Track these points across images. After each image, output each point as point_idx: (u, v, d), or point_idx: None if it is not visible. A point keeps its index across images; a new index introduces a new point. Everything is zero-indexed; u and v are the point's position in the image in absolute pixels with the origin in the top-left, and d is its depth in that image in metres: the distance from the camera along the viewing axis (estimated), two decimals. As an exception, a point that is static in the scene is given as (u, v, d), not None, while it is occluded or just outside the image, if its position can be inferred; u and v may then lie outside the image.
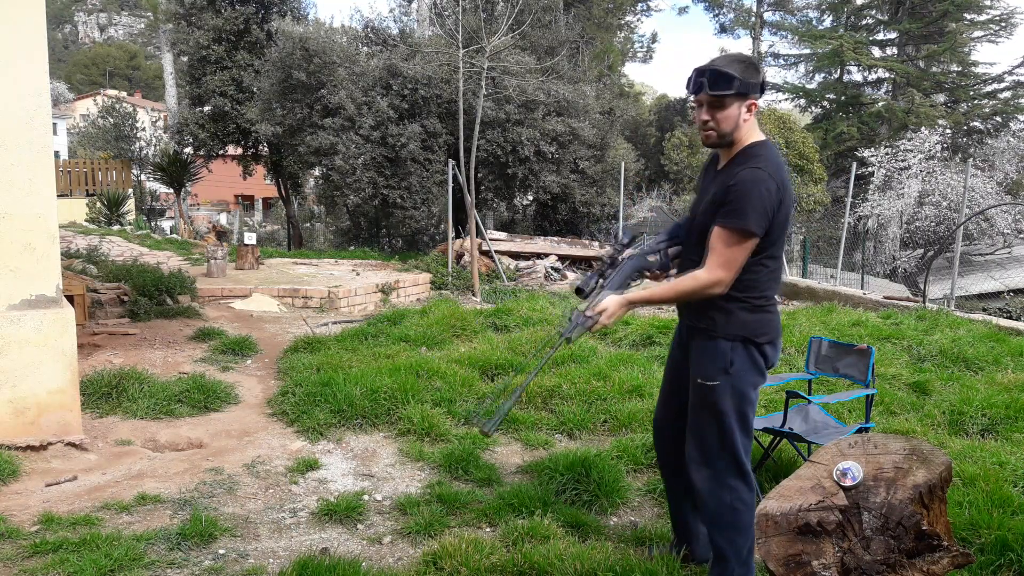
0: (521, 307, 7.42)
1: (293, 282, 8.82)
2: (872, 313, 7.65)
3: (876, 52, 23.19)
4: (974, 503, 3.19)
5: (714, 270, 2.42)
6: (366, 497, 3.54)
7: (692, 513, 2.86)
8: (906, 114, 20.25)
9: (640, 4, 25.59)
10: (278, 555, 2.99)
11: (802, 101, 24.64)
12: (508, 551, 2.90)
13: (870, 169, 16.98)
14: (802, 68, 25.01)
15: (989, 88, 22.42)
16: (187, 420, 4.57)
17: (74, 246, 10.96)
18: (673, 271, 2.73)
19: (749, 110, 2.47)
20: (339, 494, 3.56)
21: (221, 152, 17.61)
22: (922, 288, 10.05)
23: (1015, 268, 15.55)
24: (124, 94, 37.97)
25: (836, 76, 24.08)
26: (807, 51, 24.28)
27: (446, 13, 14.81)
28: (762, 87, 2.50)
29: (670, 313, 7.28)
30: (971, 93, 22.35)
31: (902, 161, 16.80)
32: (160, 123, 24.83)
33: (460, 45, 10.68)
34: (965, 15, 21.72)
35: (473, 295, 9.93)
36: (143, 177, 21.65)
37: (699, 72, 2.44)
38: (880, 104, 22.10)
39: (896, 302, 8.58)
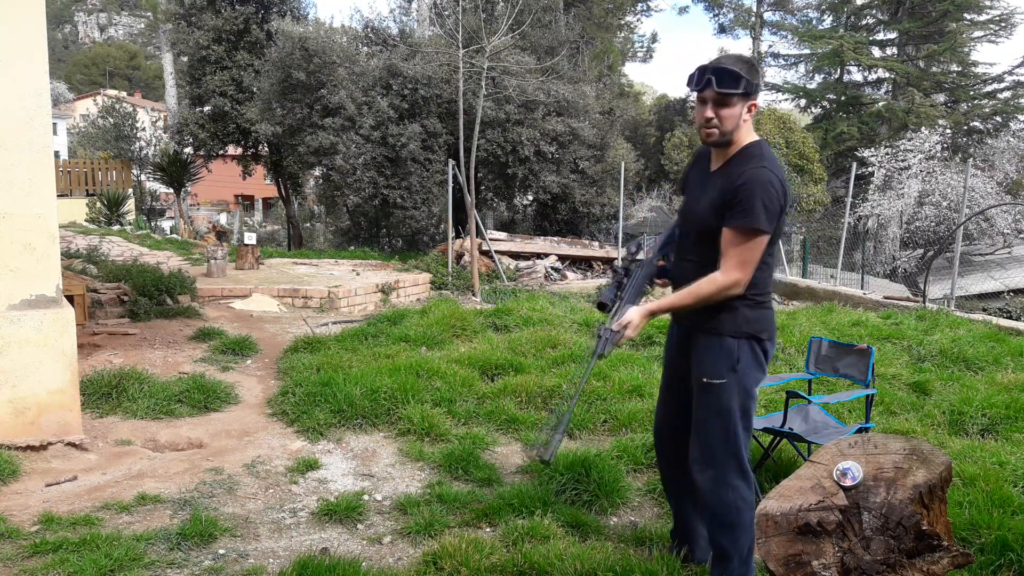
0: (521, 307, 7.42)
1: (293, 282, 8.82)
2: (872, 313, 7.65)
3: (876, 52, 23.18)
4: (974, 503, 3.19)
5: (731, 271, 2.43)
6: (366, 497, 3.54)
7: (693, 513, 2.86)
8: (906, 114, 20.25)
9: (640, 4, 25.59)
10: (278, 555, 2.99)
11: (802, 101, 24.63)
12: (508, 551, 2.90)
13: (870, 169, 16.98)
14: (802, 68, 25.01)
15: (989, 88, 22.41)
16: (187, 420, 4.57)
17: (74, 246, 10.96)
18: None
19: (749, 111, 2.49)
20: (339, 494, 3.56)
21: (221, 152, 17.61)
22: (922, 288, 10.05)
23: (1015, 268, 15.55)
24: (124, 94, 37.97)
25: (836, 76, 24.07)
26: (807, 51, 24.27)
27: (446, 13, 14.81)
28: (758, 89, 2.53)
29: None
30: (971, 93, 22.35)
31: (902, 161, 16.80)
32: (160, 123, 24.83)
33: (460, 45, 10.69)
34: (965, 15, 21.71)
35: (473, 295, 9.93)
36: (143, 177, 21.65)
37: (706, 69, 2.44)
38: (880, 104, 22.10)
39: (896, 302, 8.58)
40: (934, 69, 22.66)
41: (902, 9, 22.11)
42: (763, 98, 23.77)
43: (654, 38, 29.21)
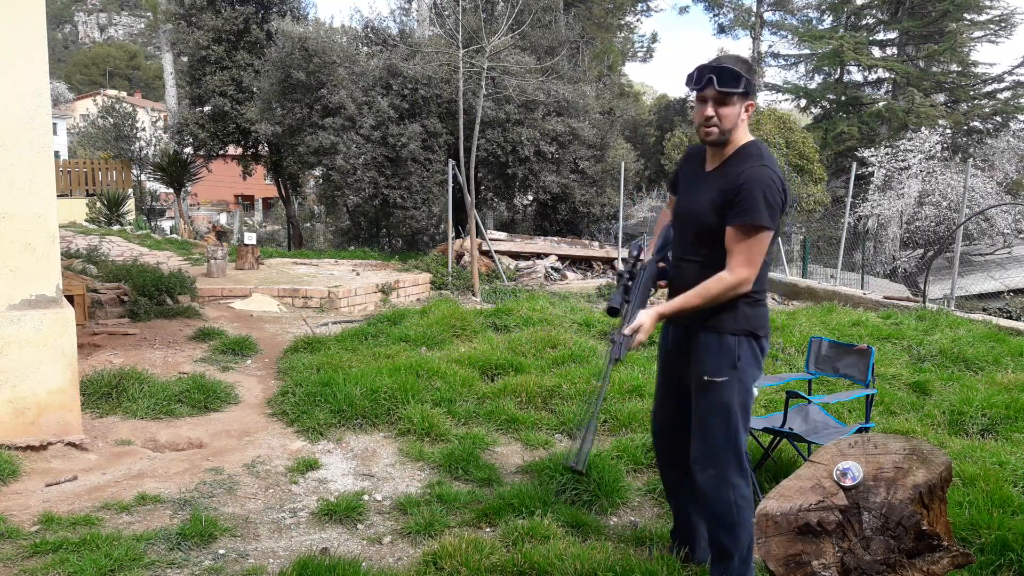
0: (521, 307, 7.41)
1: (293, 282, 8.82)
2: (872, 313, 7.65)
3: (876, 52, 23.18)
4: (974, 503, 3.19)
5: (738, 269, 2.45)
6: (366, 497, 3.54)
7: (694, 513, 2.86)
8: (906, 114, 20.25)
9: (640, 4, 25.59)
10: (278, 555, 2.99)
11: (802, 101, 24.63)
12: (508, 551, 2.90)
13: (870, 169, 16.98)
14: (802, 68, 25.00)
15: (989, 88, 22.41)
16: (187, 420, 4.57)
17: (74, 246, 10.96)
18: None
19: (747, 111, 2.51)
20: (339, 494, 3.56)
21: (221, 152, 17.61)
22: (922, 288, 10.05)
23: (1015, 268, 15.55)
24: (124, 94, 37.98)
25: (836, 76, 24.07)
26: (807, 51, 24.26)
27: (446, 13, 14.82)
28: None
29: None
30: (971, 93, 22.35)
31: (902, 161, 16.80)
32: (160, 123, 24.84)
33: (460, 45, 10.68)
34: (965, 15, 21.71)
35: (473, 295, 9.93)
36: (143, 177, 21.65)
37: (707, 68, 2.46)
38: (880, 104, 22.10)
39: (896, 302, 8.58)
40: (934, 69, 22.66)
41: (902, 9, 22.11)
42: (763, 98, 23.80)
43: (654, 38, 29.23)
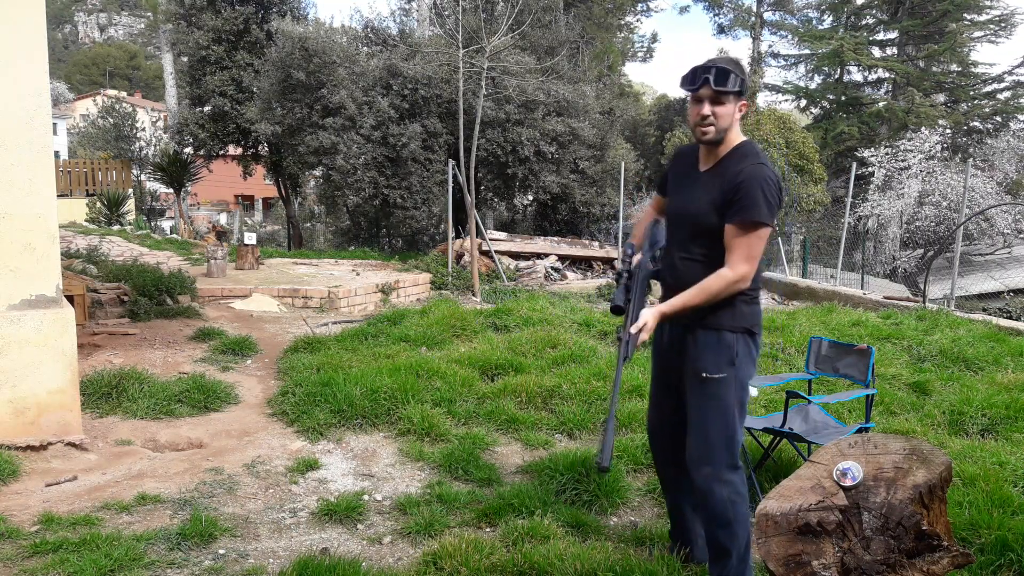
0: (521, 307, 7.41)
1: (293, 282, 8.82)
2: (872, 313, 7.65)
3: (876, 52, 23.19)
4: (974, 503, 3.19)
5: (738, 266, 2.48)
6: (366, 497, 3.54)
7: (692, 512, 2.86)
8: (906, 114, 20.26)
9: (640, 4, 25.59)
10: (278, 555, 2.99)
11: (802, 101, 24.63)
12: (508, 551, 2.90)
13: (870, 169, 16.98)
14: (802, 68, 25.00)
15: (989, 88, 22.42)
16: (187, 420, 4.57)
17: (74, 246, 10.96)
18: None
19: (740, 110, 2.57)
20: (339, 494, 3.56)
21: (221, 152, 17.62)
22: (922, 288, 10.05)
23: (1015, 268, 15.55)
24: (124, 94, 37.98)
25: (836, 76, 24.07)
26: (807, 51, 24.26)
27: (446, 13, 14.81)
28: None
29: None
30: (971, 93, 22.35)
31: (902, 161, 16.80)
32: (160, 123, 24.85)
33: (460, 45, 10.68)
34: (965, 15, 21.71)
35: (473, 295, 9.93)
36: (143, 177, 21.65)
37: (702, 69, 2.51)
38: (880, 104, 22.10)
39: (896, 302, 8.58)
40: (934, 69, 22.67)
41: (902, 9, 22.11)
42: (763, 98, 23.81)
43: (654, 38, 29.19)
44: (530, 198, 16.64)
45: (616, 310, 2.59)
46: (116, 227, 15.91)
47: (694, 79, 2.51)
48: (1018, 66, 21.61)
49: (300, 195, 20.89)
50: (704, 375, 2.58)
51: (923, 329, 6.82)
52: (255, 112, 14.28)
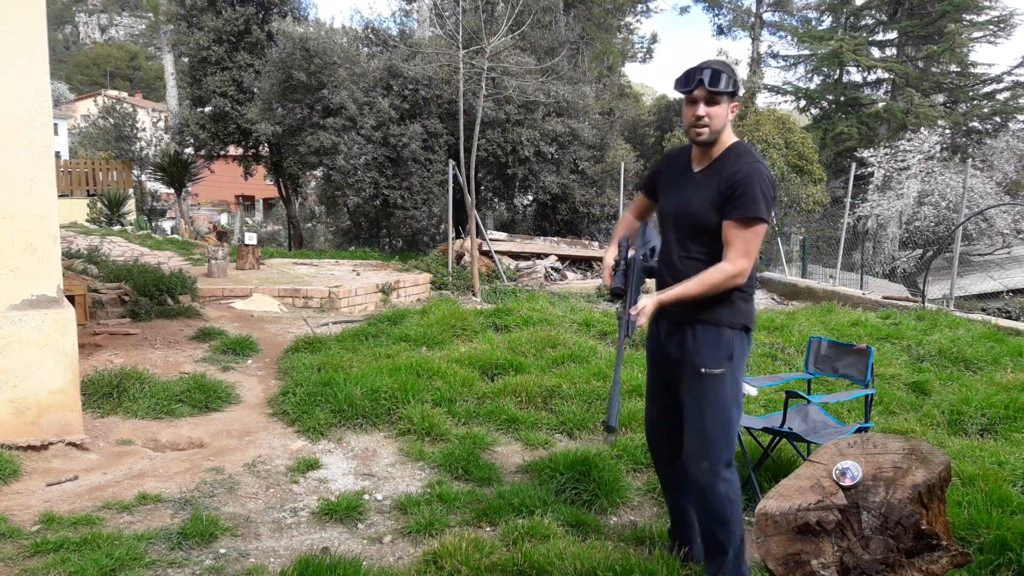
0: (521, 307, 7.42)
1: (294, 282, 8.82)
2: (871, 313, 7.66)
3: (875, 52, 23.21)
4: (973, 503, 3.19)
5: (737, 260, 2.53)
6: (366, 497, 3.54)
7: (691, 510, 2.87)
8: (905, 114, 20.26)
9: (640, 5, 25.61)
10: (279, 554, 3.00)
11: (801, 102, 24.64)
12: (508, 550, 2.90)
13: (869, 169, 16.99)
14: (801, 69, 25.03)
15: (988, 88, 22.44)
16: (188, 420, 4.58)
17: (75, 246, 10.96)
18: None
19: (732, 111, 2.63)
20: (340, 493, 3.56)
21: (222, 152, 17.62)
22: (921, 288, 10.05)
23: (1014, 268, 15.56)
24: (125, 95, 37.99)
25: (835, 77, 24.08)
26: (806, 52, 24.29)
27: (446, 14, 14.82)
28: None
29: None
30: (970, 93, 22.37)
31: (901, 161, 16.81)
32: (161, 123, 24.87)
33: (460, 46, 10.69)
34: (964, 15, 21.73)
35: (473, 295, 9.94)
36: (144, 177, 21.65)
37: (696, 70, 2.57)
38: (879, 104, 22.12)
39: (895, 302, 8.59)
40: (933, 69, 22.68)
41: (901, 10, 22.13)
42: (763, 99, 23.78)
43: (654, 39, 29.22)
44: (530, 198, 16.64)
45: (615, 292, 2.64)
46: (117, 227, 15.92)
47: (688, 81, 2.57)
48: (1017, 66, 21.63)
49: (301, 195, 20.91)
50: (703, 370, 2.61)
51: (922, 329, 6.83)
52: (256, 112, 14.29)
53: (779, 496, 2.33)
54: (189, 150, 18.30)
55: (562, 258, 13.40)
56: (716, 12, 26.15)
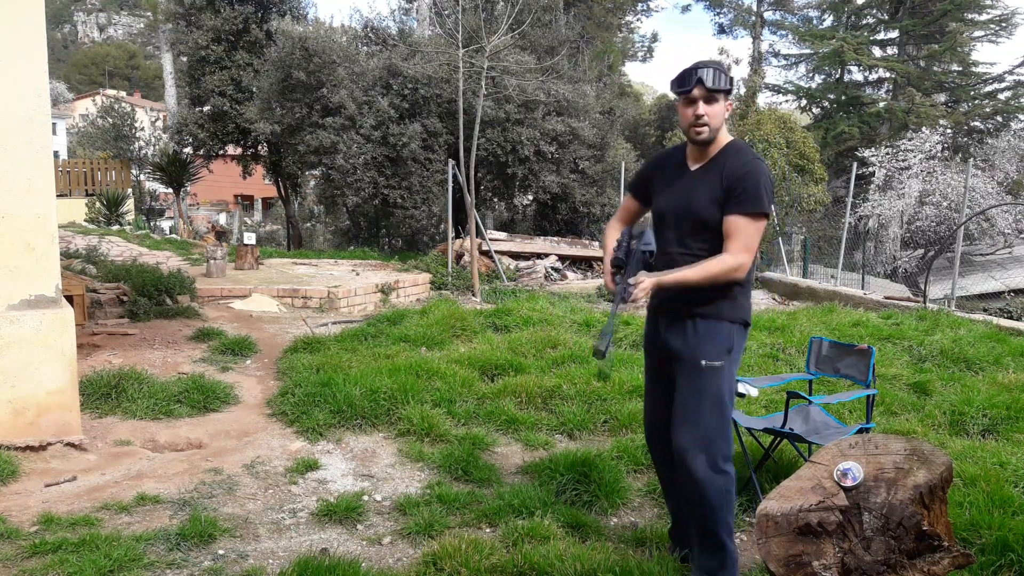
0: (521, 307, 7.41)
1: (293, 282, 8.81)
2: (873, 313, 7.64)
3: (877, 52, 23.19)
4: (975, 503, 3.18)
5: (739, 253, 2.57)
6: (366, 498, 3.53)
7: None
8: (906, 114, 20.25)
9: (640, 4, 25.59)
10: (278, 555, 2.99)
11: (803, 101, 24.63)
12: (508, 552, 2.89)
13: (871, 169, 16.98)
14: (803, 68, 25.02)
15: (989, 88, 22.42)
16: (186, 420, 4.57)
17: (73, 246, 10.95)
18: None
19: (727, 109, 2.68)
20: (339, 494, 3.55)
21: (220, 152, 17.62)
22: (923, 288, 10.04)
23: (1016, 268, 15.55)
24: (123, 94, 38.01)
25: (837, 76, 24.07)
26: (808, 51, 24.28)
27: (446, 13, 14.81)
28: None
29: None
30: (971, 93, 22.35)
31: (903, 161, 16.80)
32: (159, 123, 24.88)
33: (460, 45, 10.68)
34: (965, 15, 21.72)
35: (473, 295, 9.93)
36: (142, 177, 21.65)
37: (693, 70, 2.61)
38: (881, 104, 22.11)
39: (897, 302, 8.57)
40: (934, 69, 22.67)
41: (902, 8, 22.11)
42: (764, 98, 23.77)
43: (654, 38, 29.20)
44: (530, 198, 16.63)
45: (616, 263, 2.66)
46: (115, 227, 15.91)
47: (686, 81, 2.60)
48: (1018, 66, 21.62)
49: (300, 195, 20.89)
50: (704, 363, 2.64)
51: (924, 329, 6.82)
52: (255, 112, 14.28)
53: (780, 497, 2.32)
54: (188, 149, 18.29)
55: (562, 258, 13.39)
56: (717, 11, 26.15)
